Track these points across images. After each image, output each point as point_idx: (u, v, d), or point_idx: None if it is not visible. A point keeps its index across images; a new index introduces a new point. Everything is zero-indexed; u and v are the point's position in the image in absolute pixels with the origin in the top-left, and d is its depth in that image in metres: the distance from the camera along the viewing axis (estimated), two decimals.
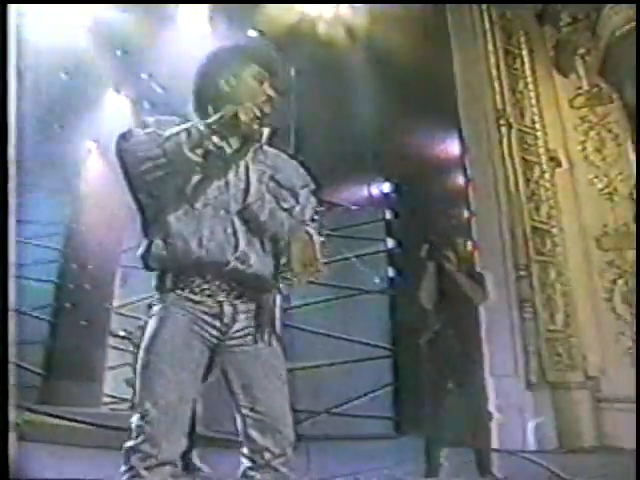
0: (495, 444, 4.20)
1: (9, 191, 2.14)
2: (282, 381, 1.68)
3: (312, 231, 1.79)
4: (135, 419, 1.54)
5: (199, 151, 1.54)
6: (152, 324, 1.62)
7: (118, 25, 6.48)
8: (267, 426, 1.62)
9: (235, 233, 1.64)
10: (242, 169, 1.70)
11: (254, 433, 1.63)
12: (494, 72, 6.28)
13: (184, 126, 1.57)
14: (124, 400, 7.12)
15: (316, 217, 1.89)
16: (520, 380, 5.18)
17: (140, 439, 1.51)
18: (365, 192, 7.67)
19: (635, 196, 5.43)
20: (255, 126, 1.60)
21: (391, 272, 7.04)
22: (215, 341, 1.64)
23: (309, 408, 6.25)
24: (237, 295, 1.66)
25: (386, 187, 7.70)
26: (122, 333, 7.18)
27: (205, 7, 7.50)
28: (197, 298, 1.62)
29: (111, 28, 6.47)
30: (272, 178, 1.75)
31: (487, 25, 6.42)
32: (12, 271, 2.21)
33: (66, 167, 8.00)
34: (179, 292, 1.62)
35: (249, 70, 1.76)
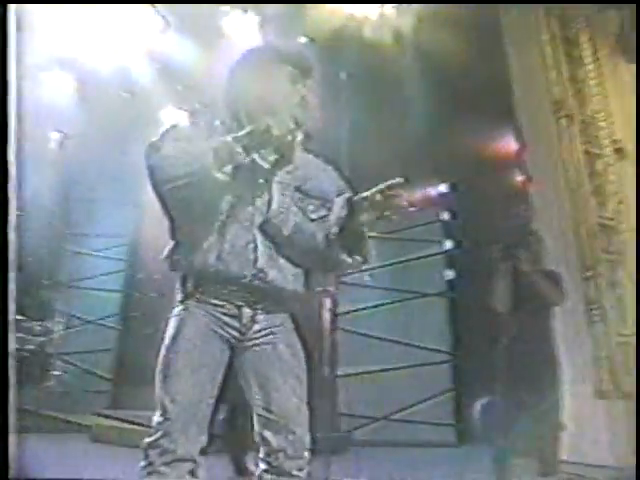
0: (563, 456, 4.01)
1: (9, 191, 2.21)
2: (299, 381, 1.68)
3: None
4: (155, 417, 1.57)
5: (228, 168, 1.52)
6: (173, 324, 1.65)
7: (174, 51, 6.65)
8: (281, 427, 1.62)
9: (255, 248, 1.62)
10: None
11: (268, 434, 1.64)
12: (551, 62, 5.99)
13: (213, 144, 1.54)
14: None
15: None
16: (590, 388, 4.91)
17: (158, 435, 1.54)
18: (421, 193, 7.54)
19: None
20: (289, 137, 1.56)
21: (450, 274, 6.88)
22: (234, 341, 1.65)
23: (367, 414, 6.21)
24: (256, 301, 1.67)
25: (442, 187, 7.54)
26: None
27: (255, 17, 7.64)
28: (216, 302, 1.64)
29: (167, 55, 6.64)
30: (298, 189, 1.72)
31: (541, 12, 6.14)
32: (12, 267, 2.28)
33: (129, 180, 8.32)
34: (199, 296, 1.64)
35: (281, 71, 1.73)
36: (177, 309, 1.67)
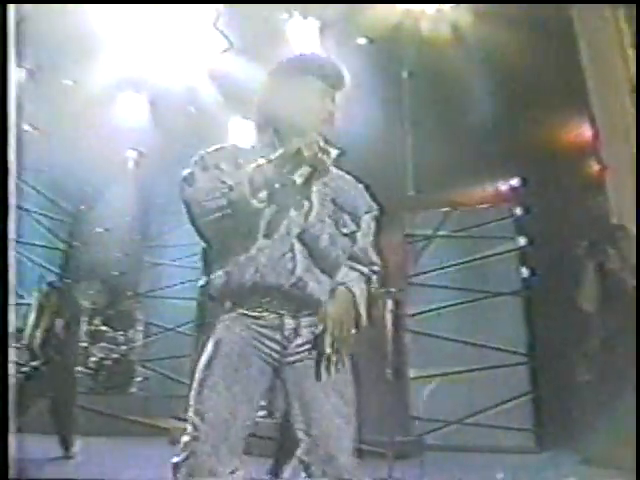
0: None
1: (9, 191, 2.29)
2: (344, 401, 1.59)
3: (357, 288, 1.69)
4: (184, 436, 1.53)
5: (264, 193, 1.51)
6: (210, 343, 1.61)
7: (236, 67, 6.83)
8: (321, 451, 1.53)
9: (293, 258, 1.59)
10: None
11: (307, 458, 1.55)
12: (626, 40, 5.62)
13: (247, 172, 1.53)
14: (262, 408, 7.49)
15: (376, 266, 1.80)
16: None
17: (186, 455, 1.49)
18: (491, 189, 7.29)
19: None
20: (320, 155, 1.52)
21: (524, 272, 6.60)
22: (276, 356, 1.59)
23: (440, 417, 6.05)
24: (298, 310, 1.61)
25: (513, 182, 7.25)
26: None
27: (315, 21, 7.74)
28: (256, 314, 1.59)
29: (230, 71, 6.82)
30: (333, 201, 1.70)
31: None
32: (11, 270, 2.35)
33: None
34: (239, 310, 1.61)
35: (310, 85, 1.70)
36: (216, 328, 1.63)
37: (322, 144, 1.54)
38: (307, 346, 1.61)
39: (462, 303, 6.50)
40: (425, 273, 6.83)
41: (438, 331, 6.40)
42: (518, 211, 6.99)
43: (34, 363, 4.66)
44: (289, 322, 1.60)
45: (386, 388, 4.30)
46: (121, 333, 7.43)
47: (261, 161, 1.54)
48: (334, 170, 1.73)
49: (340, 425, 1.56)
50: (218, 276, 1.62)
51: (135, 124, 7.48)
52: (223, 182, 1.55)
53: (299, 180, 1.59)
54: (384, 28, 6.80)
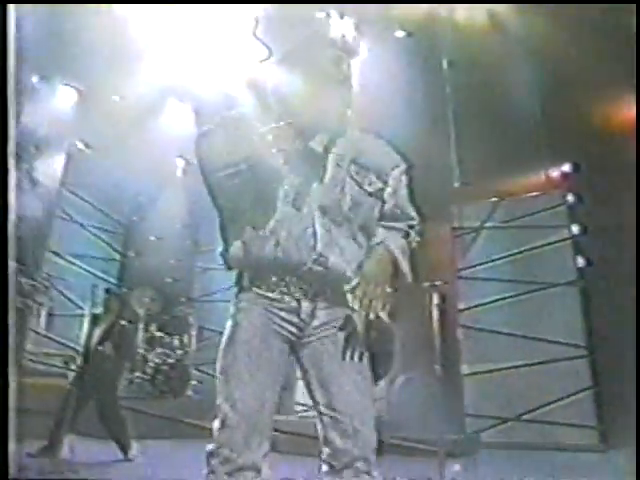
0: None
1: (9, 190, 2.33)
2: (363, 377, 1.58)
3: (394, 246, 1.64)
4: (215, 424, 1.53)
5: (282, 153, 1.52)
6: (229, 326, 1.61)
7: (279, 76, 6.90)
8: (344, 426, 1.53)
9: (315, 233, 1.57)
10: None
11: (331, 433, 1.54)
12: None
13: (264, 129, 1.55)
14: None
15: (414, 222, 1.74)
16: None
17: (219, 443, 1.50)
18: (541, 177, 7.03)
19: None
20: (340, 118, 1.56)
21: (580, 261, 6.32)
22: (293, 338, 1.59)
23: (497, 414, 5.88)
24: (316, 293, 1.59)
25: (565, 168, 6.97)
26: None
27: (351, 20, 7.71)
28: (273, 295, 1.58)
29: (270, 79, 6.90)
30: (354, 161, 1.66)
31: None
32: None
33: None
34: (256, 289, 1.59)
35: (324, 55, 1.69)
36: (232, 309, 1.62)
37: (340, 109, 1.58)
38: (324, 327, 1.60)
39: (515, 296, 6.31)
40: (475, 266, 6.67)
41: (491, 325, 6.24)
42: (570, 198, 6.71)
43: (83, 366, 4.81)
44: (306, 305, 1.58)
45: (436, 384, 4.20)
46: (176, 338, 7.61)
47: (281, 123, 1.56)
48: (355, 131, 1.72)
49: (362, 400, 1.55)
50: (237, 246, 1.60)
51: (181, 132, 7.64)
52: (241, 138, 1.54)
53: (319, 149, 1.60)
54: (421, 20, 6.71)
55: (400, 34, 7.49)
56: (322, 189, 1.60)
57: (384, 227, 1.68)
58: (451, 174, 6.85)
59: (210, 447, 1.51)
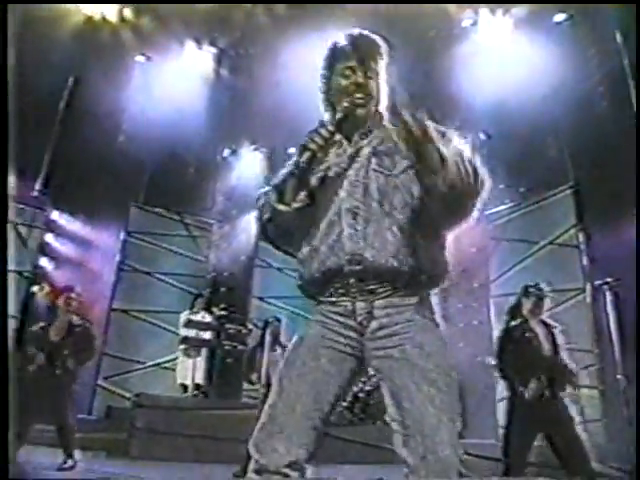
0: None
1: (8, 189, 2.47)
2: (437, 388, 1.44)
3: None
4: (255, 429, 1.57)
5: (300, 197, 1.64)
6: (295, 337, 1.68)
7: None
8: (416, 443, 1.41)
9: (340, 234, 1.60)
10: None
11: (405, 452, 1.43)
12: None
13: (273, 183, 1.71)
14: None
15: None
16: None
17: (252, 444, 1.54)
18: None
19: None
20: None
21: None
22: (355, 344, 1.56)
23: None
24: (370, 290, 1.56)
25: None
26: (493, 362, 7.09)
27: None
28: (333, 299, 1.60)
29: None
30: (373, 153, 1.69)
31: None
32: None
33: None
34: (319, 297, 1.64)
35: (338, 67, 1.77)
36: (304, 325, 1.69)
37: (330, 129, 1.63)
38: (386, 331, 1.54)
39: None
40: None
41: None
42: None
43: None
44: (361, 306, 1.56)
45: None
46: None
47: (288, 167, 1.68)
48: (383, 126, 1.75)
49: (437, 415, 1.44)
50: (298, 273, 1.70)
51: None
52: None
53: (349, 150, 1.71)
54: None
55: (560, 17, 7.14)
56: (345, 193, 1.64)
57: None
58: None
59: (252, 437, 1.55)
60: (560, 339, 3.75)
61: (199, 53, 8.58)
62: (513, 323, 3.96)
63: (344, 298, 1.58)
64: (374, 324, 1.55)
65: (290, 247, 1.74)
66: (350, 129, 1.72)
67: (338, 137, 1.72)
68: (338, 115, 1.67)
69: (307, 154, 1.60)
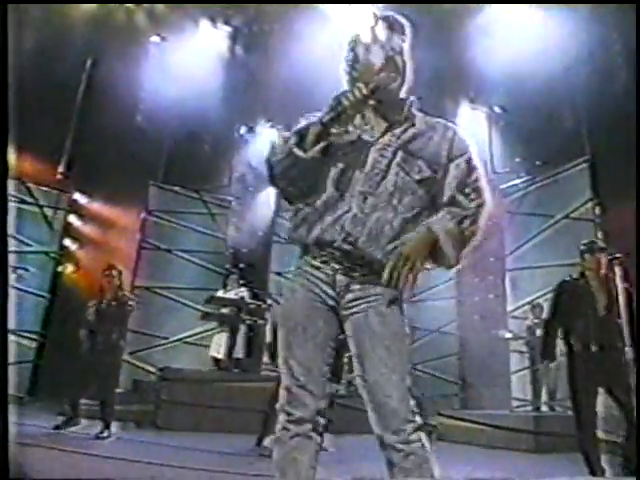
0: None
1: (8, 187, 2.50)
2: (389, 352, 1.65)
3: (438, 227, 1.68)
4: (281, 390, 1.75)
5: (317, 148, 1.68)
6: (284, 293, 1.84)
7: None
8: (375, 399, 1.64)
9: (346, 213, 1.70)
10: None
11: (367, 404, 1.66)
12: None
13: (296, 128, 1.75)
14: (527, 402, 7.05)
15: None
16: None
17: (281, 402, 1.73)
18: None
19: None
20: (360, 103, 1.67)
21: None
22: (335, 305, 1.73)
23: None
24: (350, 268, 1.71)
25: None
26: (507, 335, 7.21)
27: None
28: (316, 263, 1.74)
29: None
30: (402, 148, 1.75)
31: None
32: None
33: None
34: (305, 257, 1.78)
35: (365, 46, 1.82)
36: (290, 274, 1.84)
37: (364, 92, 1.66)
38: (359, 301, 1.70)
39: None
40: None
41: None
42: None
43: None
44: (340, 279, 1.71)
45: None
46: None
47: (313, 123, 1.71)
48: (418, 118, 1.80)
49: (388, 375, 1.64)
50: (296, 232, 1.79)
51: None
52: (286, 140, 1.75)
53: (370, 138, 1.75)
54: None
55: None
56: (363, 176, 1.72)
57: (444, 212, 1.73)
58: None
59: (277, 405, 1.74)
60: (617, 295, 3.69)
61: (214, 32, 8.61)
62: (569, 277, 4.03)
63: (326, 266, 1.72)
64: (349, 295, 1.71)
65: (292, 195, 1.81)
66: (382, 107, 1.77)
67: (370, 104, 1.74)
68: (372, 85, 1.70)
69: (338, 108, 1.66)
